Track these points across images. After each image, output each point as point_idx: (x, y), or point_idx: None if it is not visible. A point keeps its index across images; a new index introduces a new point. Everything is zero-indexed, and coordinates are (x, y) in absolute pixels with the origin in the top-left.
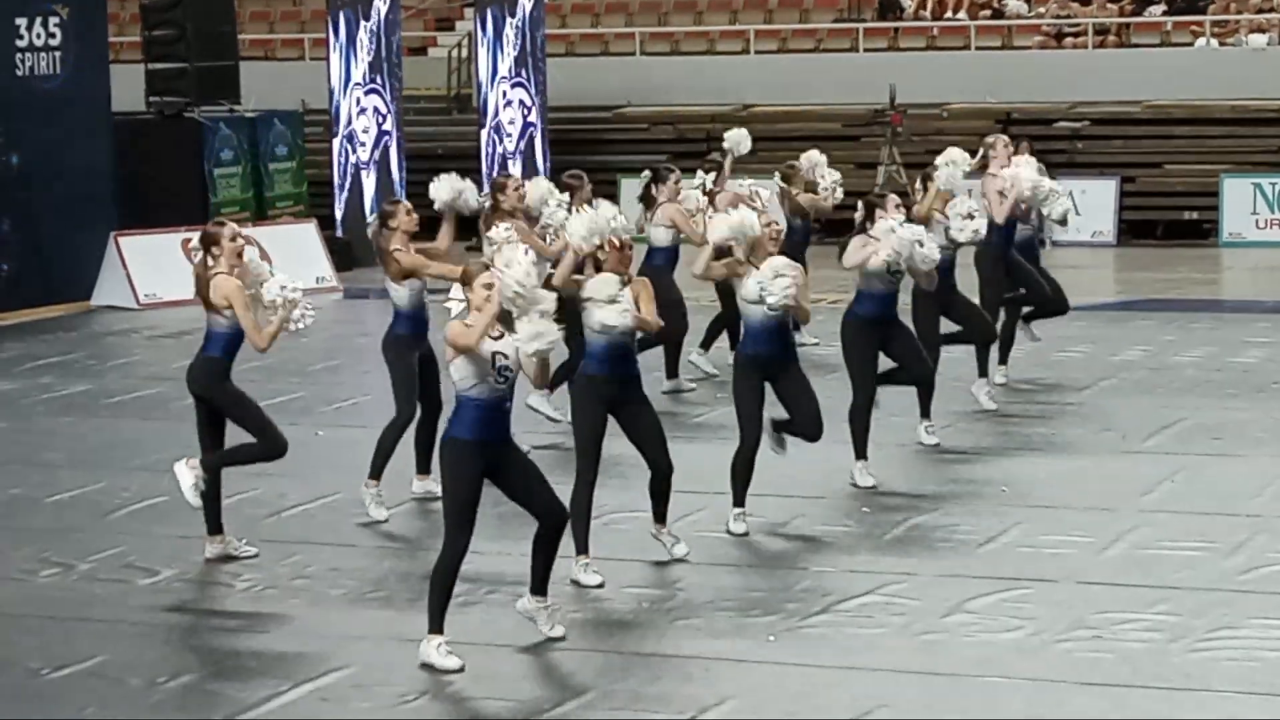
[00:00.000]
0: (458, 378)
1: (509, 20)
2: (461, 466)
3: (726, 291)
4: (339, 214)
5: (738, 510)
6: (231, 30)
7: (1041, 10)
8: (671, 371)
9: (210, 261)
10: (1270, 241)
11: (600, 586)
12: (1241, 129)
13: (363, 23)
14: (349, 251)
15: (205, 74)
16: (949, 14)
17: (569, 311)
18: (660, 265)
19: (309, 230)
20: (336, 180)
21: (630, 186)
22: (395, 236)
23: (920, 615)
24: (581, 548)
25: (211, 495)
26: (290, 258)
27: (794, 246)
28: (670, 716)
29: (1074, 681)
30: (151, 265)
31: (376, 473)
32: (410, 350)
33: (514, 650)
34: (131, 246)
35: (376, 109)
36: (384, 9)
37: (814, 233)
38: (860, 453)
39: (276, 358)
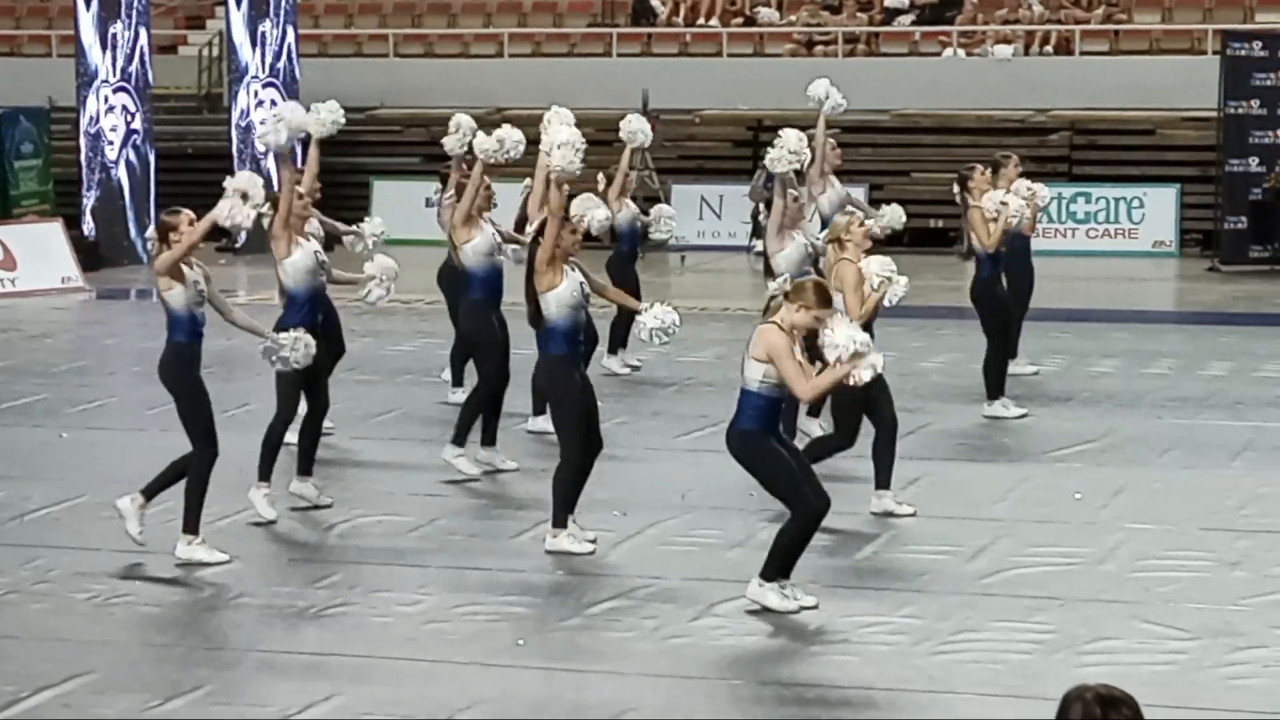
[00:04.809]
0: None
1: (266, 19)
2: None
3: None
4: (87, 213)
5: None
6: None
7: (793, 19)
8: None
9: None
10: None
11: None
12: (986, 138)
13: (113, 19)
14: (96, 251)
15: None
16: (701, 21)
17: None
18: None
19: (55, 229)
20: (84, 179)
21: (383, 189)
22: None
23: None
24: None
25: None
26: (35, 257)
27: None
28: None
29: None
30: None
31: None
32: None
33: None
34: None
35: (125, 107)
36: (135, 5)
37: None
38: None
39: (21, 358)
